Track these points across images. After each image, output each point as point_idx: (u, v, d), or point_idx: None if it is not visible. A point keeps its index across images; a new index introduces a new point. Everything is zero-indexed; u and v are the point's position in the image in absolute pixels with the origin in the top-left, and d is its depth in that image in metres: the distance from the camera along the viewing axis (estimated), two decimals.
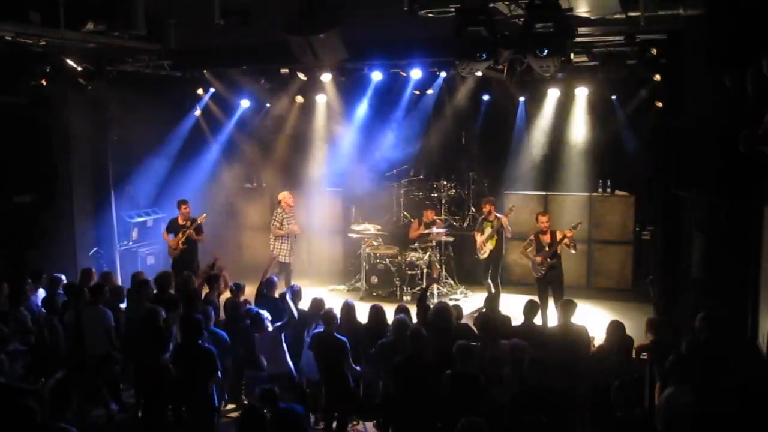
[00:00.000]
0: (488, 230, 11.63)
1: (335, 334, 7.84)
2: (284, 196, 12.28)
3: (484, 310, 8.89)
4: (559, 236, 10.48)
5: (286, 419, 6.33)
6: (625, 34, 9.01)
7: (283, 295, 8.53)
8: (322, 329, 7.91)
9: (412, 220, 13.13)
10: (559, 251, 10.52)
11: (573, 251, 10.72)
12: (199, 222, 11.95)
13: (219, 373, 7.62)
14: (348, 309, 8.40)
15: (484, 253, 11.66)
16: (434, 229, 12.44)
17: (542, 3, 6.97)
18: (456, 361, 6.78)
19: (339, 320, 8.08)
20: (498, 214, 11.66)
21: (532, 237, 10.70)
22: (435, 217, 13.01)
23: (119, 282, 11.89)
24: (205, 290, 9.60)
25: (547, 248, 10.48)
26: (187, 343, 7.54)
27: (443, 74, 11.88)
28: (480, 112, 13.92)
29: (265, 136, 14.46)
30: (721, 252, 7.92)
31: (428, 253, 12.41)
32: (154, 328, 7.86)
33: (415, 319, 8.35)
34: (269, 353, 8.06)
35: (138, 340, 8.26)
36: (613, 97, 12.99)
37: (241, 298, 9.36)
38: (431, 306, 8.61)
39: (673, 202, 9.27)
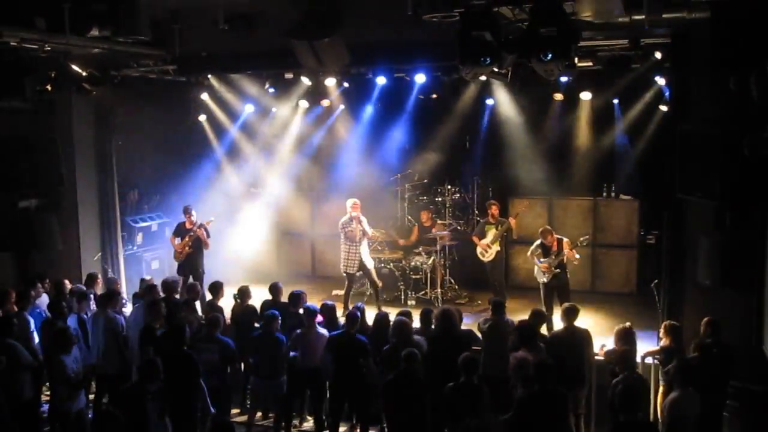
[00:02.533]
0: (491, 233, 11.62)
1: (356, 335, 7.99)
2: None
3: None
4: (565, 247, 10.47)
5: None
6: (630, 38, 9.00)
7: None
8: (341, 330, 8.01)
9: (415, 224, 13.12)
10: (564, 261, 10.52)
11: (575, 262, 10.77)
12: (206, 225, 11.86)
13: (201, 380, 7.67)
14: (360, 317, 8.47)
15: (490, 255, 11.64)
16: (435, 232, 12.40)
17: (546, 7, 6.95)
18: (461, 371, 6.78)
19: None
20: (503, 219, 11.68)
21: (539, 242, 10.67)
22: (439, 221, 13.00)
23: (124, 286, 11.95)
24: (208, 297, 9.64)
25: (553, 257, 10.47)
26: (173, 350, 7.62)
27: (447, 79, 11.85)
28: (484, 117, 13.89)
29: (270, 141, 14.47)
30: (726, 256, 7.90)
31: (432, 258, 12.40)
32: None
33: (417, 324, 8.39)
34: (309, 347, 8.15)
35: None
36: (617, 101, 12.97)
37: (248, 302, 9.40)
38: (434, 311, 8.63)
39: (678, 207, 9.24)
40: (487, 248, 11.63)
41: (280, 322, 8.42)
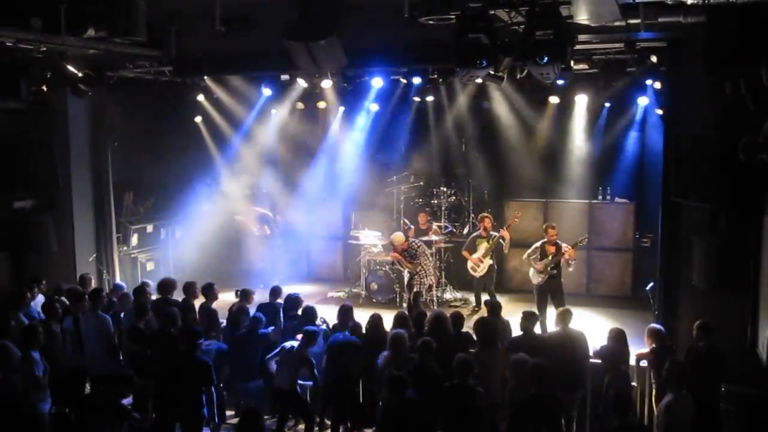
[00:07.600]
0: (483, 247, 11.58)
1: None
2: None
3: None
4: (563, 249, 10.47)
5: None
6: (625, 42, 9.03)
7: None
8: (340, 336, 8.01)
9: (411, 226, 13.11)
10: (560, 263, 10.51)
11: (570, 269, 10.76)
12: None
13: (213, 388, 7.65)
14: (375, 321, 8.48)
15: (482, 269, 11.60)
16: (432, 236, 12.38)
17: (542, 10, 6.97)
18: (455, 373, 6.77)
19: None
20: (494, 233, 11.63)
21: (538, 245, 10.65)
22: (435, 225, 12.99)
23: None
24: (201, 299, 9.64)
25: (550, 258, 10.46)
26: (186, 354, 7.59)
27: (443, 81, 11.86)
28: (480, 119, 13.90)
29: (266, 143, 14.45)
30: (720, 259, 7.93)
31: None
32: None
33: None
34: (288, 366, 8.06)
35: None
36: (608, 105, 12.98)
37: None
38: (427, 313, 8.62)
39: (673, 210, 9.28)
40: (479, 263, 11.60)
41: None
